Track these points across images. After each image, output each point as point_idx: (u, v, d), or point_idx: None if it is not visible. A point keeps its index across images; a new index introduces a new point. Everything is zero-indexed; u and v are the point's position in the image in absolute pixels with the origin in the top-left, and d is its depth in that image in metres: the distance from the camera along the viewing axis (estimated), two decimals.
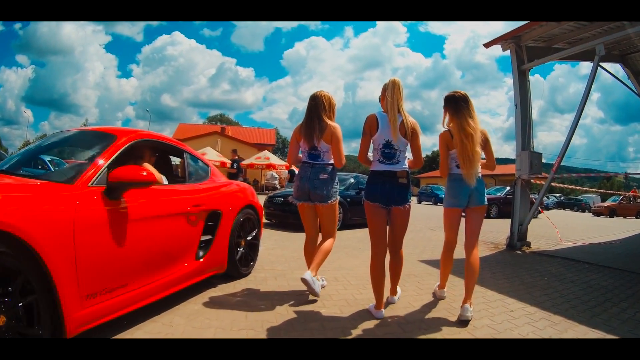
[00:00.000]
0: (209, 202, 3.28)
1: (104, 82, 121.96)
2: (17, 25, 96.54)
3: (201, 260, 3.17)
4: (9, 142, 69.43)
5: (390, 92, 2.88)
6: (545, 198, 10.51)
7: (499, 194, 15.83)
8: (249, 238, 3.99)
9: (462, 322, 2.87)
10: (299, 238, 5.54)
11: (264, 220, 7.41)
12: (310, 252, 3.40)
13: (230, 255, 3.59)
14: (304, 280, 3.03)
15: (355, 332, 2.66)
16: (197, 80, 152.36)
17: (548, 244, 7.23)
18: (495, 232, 9.17)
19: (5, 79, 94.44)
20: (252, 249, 4.07)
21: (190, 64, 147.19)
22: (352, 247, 5.95)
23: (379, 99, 3.04)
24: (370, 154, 3.03)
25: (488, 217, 13.92)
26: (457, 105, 3.01)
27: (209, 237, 3.31)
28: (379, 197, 2.89)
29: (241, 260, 3.82)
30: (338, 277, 4.09)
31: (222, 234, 3.46)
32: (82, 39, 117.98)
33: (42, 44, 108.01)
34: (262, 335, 2.53)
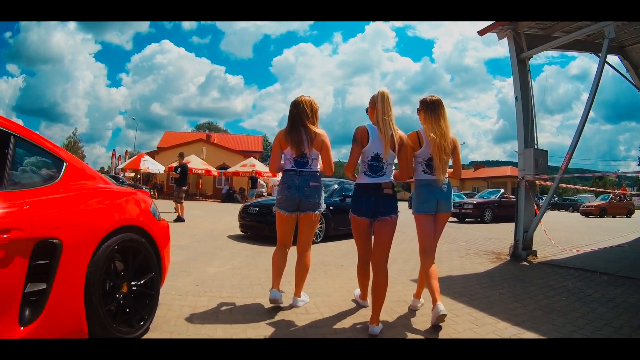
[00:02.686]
0: (34, 224, 1.89)
1: (93, 91, 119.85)
2: (7, 34, 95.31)
3: (30, 325, 1.85)
4: None
5: (381, 105, 2.81)
6: (541, 199, 9.77)
7: (492, 197, 15.00)
8: (135, 280, 2.53)
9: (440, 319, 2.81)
10: (270, 254, 4.75)
11: (240, 232, 6.50)
12: (282, 255, 3.23)
13: (92, 312, 2.12)
14: (271, 301, 3.13)
15: None
16: (186, 89, 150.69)
17: (555, 252, 6.44)
18: (494, 239, 8.45)
19: None
20: (143, 296, 2.58)
21: (180, 72, 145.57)
22: (333, 263, 5.10)
23: (366, 111, 3.00)
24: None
25: (482, 222, 13.24)
26: (435, 111, 3.04)
27: (43, 285, 1.94)
28: (364, 211, 2.84)
29: (120, 317, 2.35)
30: (309, 307, 3.27)
31: (69, 279, 2.03)
32: (71, 47, 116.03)
33: (32, 53, 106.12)
34: None
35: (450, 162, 3.16)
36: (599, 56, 5.72)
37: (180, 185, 10.34)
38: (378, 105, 2.81)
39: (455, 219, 14.33)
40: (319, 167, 3.22)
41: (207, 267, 4.69)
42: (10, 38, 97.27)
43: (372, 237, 2.95)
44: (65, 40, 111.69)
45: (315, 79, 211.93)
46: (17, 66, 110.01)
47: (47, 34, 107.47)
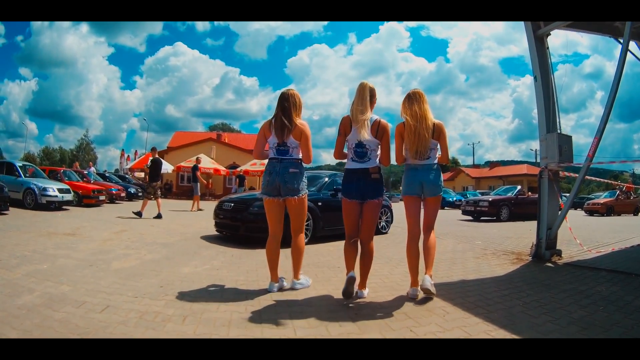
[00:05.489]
0: None
1: (107, 94, 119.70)
2: (19, 37, 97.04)
3: None
4: (13, 154, 68.74)
5: (357, 96, 3.13)
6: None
7: (509, 194, 14.10)
8: None
9: (425, 291, 3.11)
10: (259, 255, 4.18)
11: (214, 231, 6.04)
12: (274, 249, 3.35)
13: None
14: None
15: None
16: (201, 91, 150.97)
17: (580, 251, 5.66)
18: (513, 237, 7.71)
19: (9, 91, 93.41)
20: None
21: (194, 74, 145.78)
22: (327, 265, 4.51)
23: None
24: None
25: (499, 220, 12.47)
26: (410, 99, 3.25)
27: None
28: (354, 194, 3.13)
29: None
30: (279, 322, 2.61)
31: None
32: (84, 50, 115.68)
33: (45, 56, 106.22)
34: None
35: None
36: (618, 41, 5.10)
37: (151, 180, 9.81)
38: (355, 96, 3.14)
39: (470, 218, 13.60)
40: (300, 155, 3.36)
41: (182, 267, 4.15)
42: (22, 41, 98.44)
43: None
44: (77, 43, 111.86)
45: (330, 80, 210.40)
46: (30, 69, 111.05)
47: (59, 37, 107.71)
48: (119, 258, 4.46)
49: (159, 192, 9.90)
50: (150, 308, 2.75)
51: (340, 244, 5.88)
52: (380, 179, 3.15)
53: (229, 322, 2.51)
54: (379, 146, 3.14)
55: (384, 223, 7.96)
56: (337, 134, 3.23)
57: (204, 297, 3.07)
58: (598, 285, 3.76)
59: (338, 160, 3.40)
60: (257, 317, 2.65)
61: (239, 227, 6.02)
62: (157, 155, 10.09)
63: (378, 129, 3.08)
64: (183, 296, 3.07)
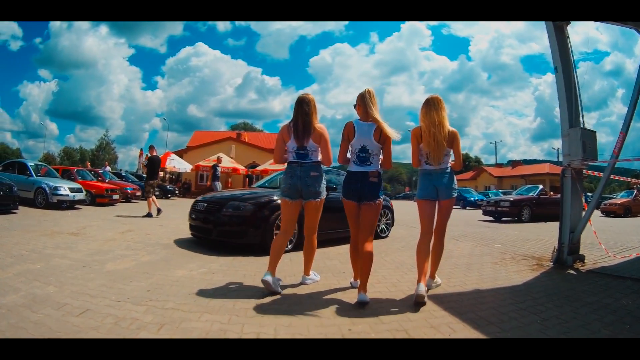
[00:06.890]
0: None
1: (129, 94, 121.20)
2: (37, 39, 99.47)
3: None
4: (33, 154, 70.75)
5: (366, 101, 3.21)
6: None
7: (531, 194, 13.49)
8: None
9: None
10: (262, 260, 3.94)
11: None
12: (281, 243, 3.38)
13: None
14: (264, 282, 3.20)
15: None
16: (223, 91, 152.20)
17: (603, 256, 5.19)
18: (533, 240, 7.28)
19: (28, 93, 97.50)
20: None
21: (216, 74, 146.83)
22: (333, 270, 4.26)
23: (354, 106, 3.34)
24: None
25: (520, 221, 12.00)
26: (428, 105, 3.33)
27: None
28: (352, 195, 3.26)
29: None
30: (266, 330, 2.40)
31: None
32: (104, 52, 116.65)
33: (64, 58, 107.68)
34: None
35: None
36: (639, 32, 4.73)
37: (149, 178, 9.72)
38: (366, 102, 3.21)
39: (491, 218, 13.17)
40: (319, 157, 3.44)
41: (177, 270, 3.98)
42: (41, 44, 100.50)
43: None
44: (97, 44, 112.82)
45: (352, 79, 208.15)
46: (49, 71, 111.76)
47: (78, 39, 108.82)
48: (115, 259, 4.34)
49: (153, 191, 9.80)
50: (129, 314, 2.60)
51: (341, 249, 5.67)
52: (378, 182, 3.23)
53: (206, 334, 2.31)
54: (381, 150, 3.27)
55: (383, 226, 7.28)
56: (342, 139, 3.33)
57: (188, 304, 2.88)
58: (623, 298, 3.37)
59: None
60: (239, 329, 2.43)
61: (211, 231, 5.40)
62: (155, 154, 10.07)
63: (381, 134, 3.19)
64: (167, 302, 2.89)
